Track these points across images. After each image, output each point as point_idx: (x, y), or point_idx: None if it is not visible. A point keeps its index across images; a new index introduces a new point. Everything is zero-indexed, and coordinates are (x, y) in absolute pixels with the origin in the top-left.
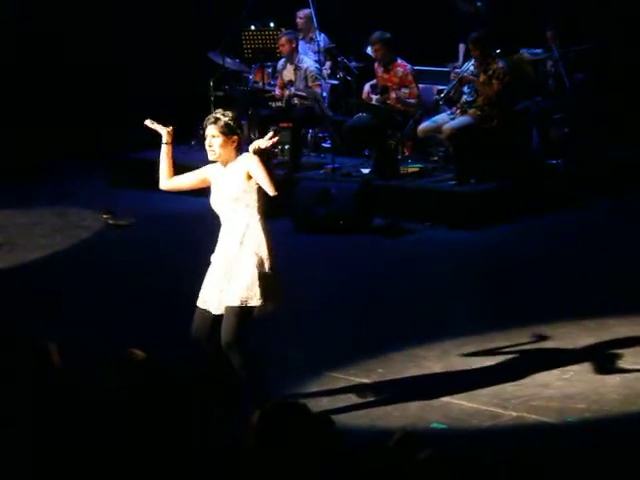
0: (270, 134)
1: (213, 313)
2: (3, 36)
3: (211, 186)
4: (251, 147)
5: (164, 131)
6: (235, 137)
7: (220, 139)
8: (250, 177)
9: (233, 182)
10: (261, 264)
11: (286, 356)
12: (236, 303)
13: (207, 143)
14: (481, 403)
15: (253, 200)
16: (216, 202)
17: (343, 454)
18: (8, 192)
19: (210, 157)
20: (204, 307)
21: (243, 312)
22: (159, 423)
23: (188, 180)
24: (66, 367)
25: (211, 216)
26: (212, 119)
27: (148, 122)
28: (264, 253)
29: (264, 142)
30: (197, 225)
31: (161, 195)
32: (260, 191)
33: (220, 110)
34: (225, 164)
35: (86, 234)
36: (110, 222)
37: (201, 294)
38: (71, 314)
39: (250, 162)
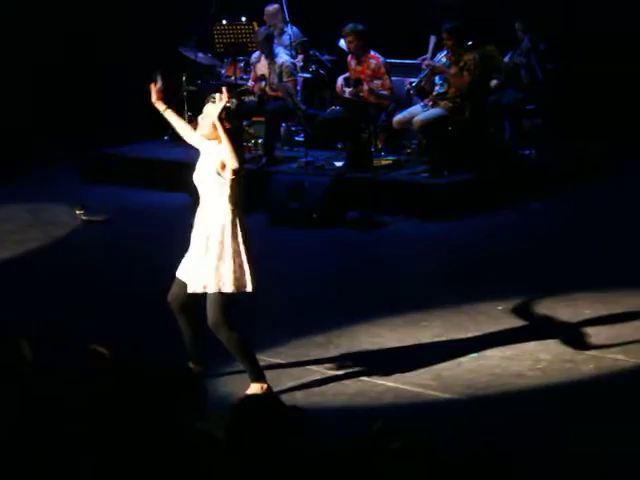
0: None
1: (188, 289)
2: None
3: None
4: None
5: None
6: (228, 124)
7: (213, 118)
8: (223, 167)
9: (209, 169)
10: (237, 254)
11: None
12: (213, 289)
13: (200, 116)
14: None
15: (226, 190)
16: (196, 179)
17: (317, 444)
18: None
19: (198, 131)
20: (182, 278)
21: (222, 296)
22: (125, 417)
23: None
24: (38, 363)
25: (184, 210)
26: (214, 99)
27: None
28: (240, 243)
29: (218, 105)
30: (171, 219)
31: (134, 190)
32: (234, 184)
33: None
34: (209, 140)
35: (60, 230)
36: (84, 218)
37: (181, 265)
38: (45, 311)
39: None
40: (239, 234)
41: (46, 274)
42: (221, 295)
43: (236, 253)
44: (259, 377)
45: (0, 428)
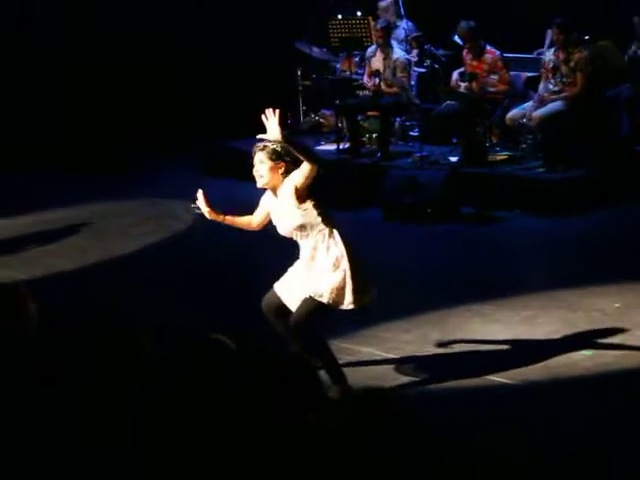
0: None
1: (284, 301)
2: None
3: (271, 217)
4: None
5: (207, 213)
6: (282, 163)
7: (267, 165)
8: (299, 196)
9: (289, 212)
10: (342, 271)
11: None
12: (310, 294)
13: (254, 170)
14: None
15: (315, 217)
16: (284, 232)
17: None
18: (100, 185)
19: (258, 184)
20: (278, 292)
21: (315, 303)
22: (249, 407)
23: (260, 217)
24: (161, 355)
25: None
26: (260, 146)
27: (200, 195)
28: (344, 261)
29: (273, 127)
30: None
31: (253, 184)
32: (317, 206)
33: (266, 138)
34: (275, 192)
35: (177, 224)
36: (198, 211)
37: (282, 280)
38: (166, 303)
39: (295, 176)
40: (343, 250)
41: (164, 268)
42: (314, 301)
43: (340, 268)
44: (339, 380)
45: (131, 422)
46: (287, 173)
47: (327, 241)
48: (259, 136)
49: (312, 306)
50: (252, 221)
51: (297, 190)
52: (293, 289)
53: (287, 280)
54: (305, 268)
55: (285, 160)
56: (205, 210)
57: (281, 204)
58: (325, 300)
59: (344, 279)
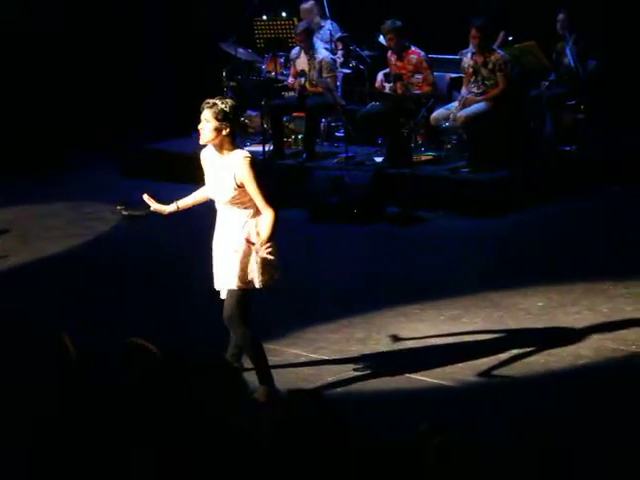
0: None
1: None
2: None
3: (204, 168)
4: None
5: (161, 210)
6: (228, 125)
7: (212, 124)
8: (242, 185)
9: (226, 184)
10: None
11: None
12: (232, 286)
13: (200, 126)
14: None
15: (246, 200)
16: (211, 193)
17: (361, 441)
18: (22, 186)
19: (200, 140)
20: (217, 288)
21: (238, 293)
22: (168, 408)
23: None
24: (81, 358)
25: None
26: (210, 103)
27: (146, 197)
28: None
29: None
30: (210, 214)
31: (172, 185)
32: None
33: (220, 97)
34: (220, 151)
35: (102, 226)
36: (124, 213)
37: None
38: (87, 306)
39: (243, 175)
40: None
41: (89, 269)
42: (235, 291)
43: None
44: (267, 379)
45: (46, 421)
46: (232, 135)
47: (249, 223)
48: None
49: (235, 295)
50: (205, 191)
51: (241, 183)
52: (217, 273)
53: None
54: (217, 244)
55: (231, 122)
56: (158, 207)
57: (220, 168)
58: (234, 285)
59: (247, 260)
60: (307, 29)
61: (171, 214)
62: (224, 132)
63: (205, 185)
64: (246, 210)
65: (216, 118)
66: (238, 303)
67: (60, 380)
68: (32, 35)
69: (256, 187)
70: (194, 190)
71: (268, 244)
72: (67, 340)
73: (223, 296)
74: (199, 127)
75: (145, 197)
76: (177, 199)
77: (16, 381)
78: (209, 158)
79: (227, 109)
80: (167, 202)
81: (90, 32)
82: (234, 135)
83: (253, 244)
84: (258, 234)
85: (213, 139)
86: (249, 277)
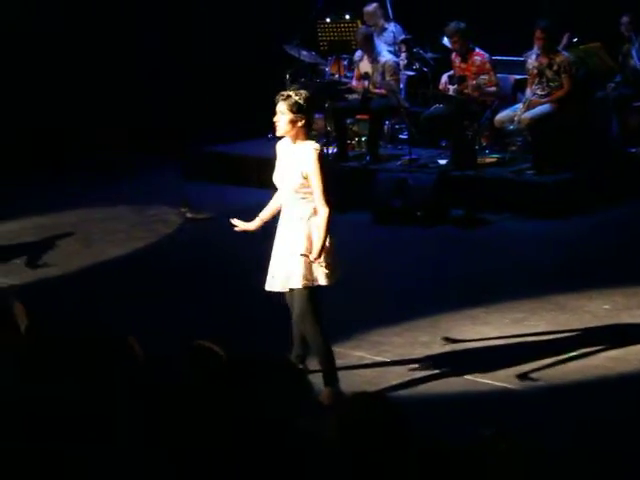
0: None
1: (279, 290)
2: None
3: (278, 157)
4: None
5: (251, 227)
6: (302, 117)
7: (287, 116)
8: (307, 177)
9: (293, 172)
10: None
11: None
12: (297, 285)
13: (275, 118)
14: None
15: (311, 192)
16: (278, 181)
17: (422, 445)
18: (85, 189)
19: (277, 132)
20: (275, 289)
21: (305, 292)
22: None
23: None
24: (149, 360)
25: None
26: (284, 95)
27: (234, 221)
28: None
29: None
30: (274, 218)
31: (234, 188)
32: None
33: (294, 88)
34: (294, 142)
35: (165, 229)
36: (188, 216)
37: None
38: (151, 308)
39: (309, 165)
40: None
41: (152, 272)
42: (301, 290)
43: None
44: (333, 381)
45: (116, 423)
46: (307, 127)
47: (312, 214)
48: None
49: (304, 294)
50: (278, 197)
51: (304, 175)
52: (275, 273)
53: (271, 267)
54: (280, 239)
55: (306, 114)
56: (245, 227)
57: (291, 157)
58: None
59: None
60: (366, 35)
61: (258, 229)
62: (299, 124)
63: (274, 182)
64: (311, 203)
65: (291, 110)
66: (309, 301)
67: (128, 383)
68: (33, 35)
69: (319, 180)
70: (255, 193)
71: (321, 254)
72: (134, 343)
73: (278, 289)
74: (274, 119)
75: (233, 221)
76: (242, 203)
77: (85, 385)
78: (283, 148)
79: (301, 101)
80: (232, 204)
81: (149, 31)
82: (309, 126)
83: (307, 256)
84: (310, 240)
85: (289, 131)
86: (314, 274)
